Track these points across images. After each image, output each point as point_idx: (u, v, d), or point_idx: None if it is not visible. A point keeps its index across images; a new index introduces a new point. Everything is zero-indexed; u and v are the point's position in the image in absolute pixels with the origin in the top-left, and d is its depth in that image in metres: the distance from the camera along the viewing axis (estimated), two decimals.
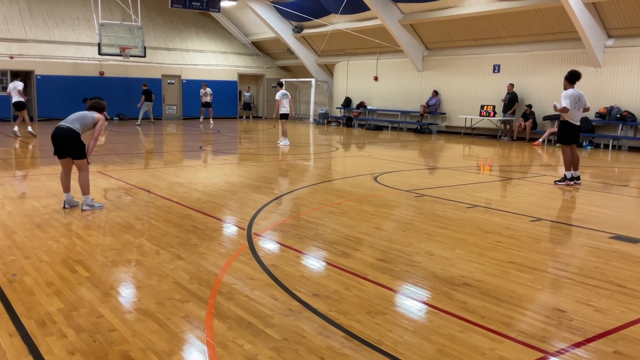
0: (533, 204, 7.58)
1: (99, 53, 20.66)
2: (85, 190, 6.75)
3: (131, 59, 21.61)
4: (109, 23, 20.86)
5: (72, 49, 23.57)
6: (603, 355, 3.19)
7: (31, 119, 23.27)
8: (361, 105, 24.12)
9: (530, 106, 17.44)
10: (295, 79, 27.48)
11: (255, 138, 18.59)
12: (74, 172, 6.88)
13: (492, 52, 18.93)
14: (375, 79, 23.67)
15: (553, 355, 3.17)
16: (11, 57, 21.99)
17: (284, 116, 15.30)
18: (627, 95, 15.49)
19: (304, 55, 26.55)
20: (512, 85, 17.88)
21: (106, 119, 7.53)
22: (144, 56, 21.61)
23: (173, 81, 26.30)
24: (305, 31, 25.15)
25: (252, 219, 6.39)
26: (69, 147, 6.60)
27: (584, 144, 15.88)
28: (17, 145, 14.34)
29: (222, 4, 23.65)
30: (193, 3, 21.93)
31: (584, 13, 14.97)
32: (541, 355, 3.16)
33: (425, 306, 3.92)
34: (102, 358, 3.05)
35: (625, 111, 15.32)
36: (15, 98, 15.98)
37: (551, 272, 4.73)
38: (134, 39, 21.10)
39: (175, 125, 22.93)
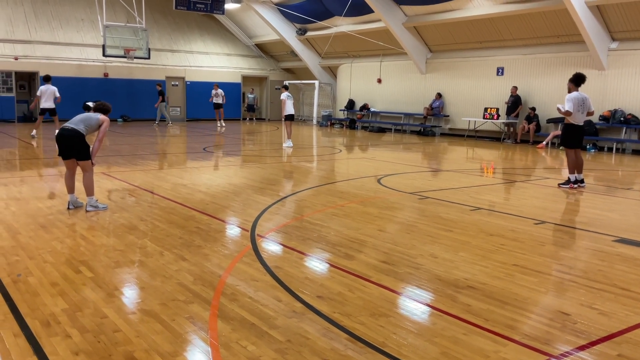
0: (537, 207, 7.57)
1: (104, 55, 20.70)
2: (89, 191, 6.77)
3: (135, 60, 21.65)
4: (113, 25, 20.91)
5: (76, 50, 23.64)
6: (607, 358, 3.18)
7: (35, 121, 23.45)
8: (364, 107, 24.12)
9: (533, 109, 17.42)
10: (298, 81, 27.50)
11: (258, 140, 18.61)
12: (79, 173, 6.90)
13: (496, 54, 18.92)
14: (379, 81, 23.67)
15: (557, 358, 3.17)
16: (16, 59, 22.06)
17: (290, 117, 15.35)
18: (631, 98, 15.45)
19: (308, 58, 26.57)
20: (515, 87, 17.86)
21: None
22: (149, 58, 21.66)
23: (177, 83, 26.36)
24: (309, 33, 25.17)
25: (255, 221, 6.39)
26: (74, 149, 6.61)
27: (588, 147, 15.85)
28: (24, 147, 14.38)
29: (226, 6, 23.71)
30: (197, 5, 21.99)
31: (588, 16, 14.95)
32: (545, 358, 3.15)
33: (428, 308, 3.92)
34: (106, 359, 3.06)
35: (629, 114, 15.28)
36: (48, 104, 15.50)
37: (555, 275, 4.72)
38: (138, 41, 21.16)
39: (179, 127, 22.96)
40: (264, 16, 24.68)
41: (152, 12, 25.32)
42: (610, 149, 16.08)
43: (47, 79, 15.99)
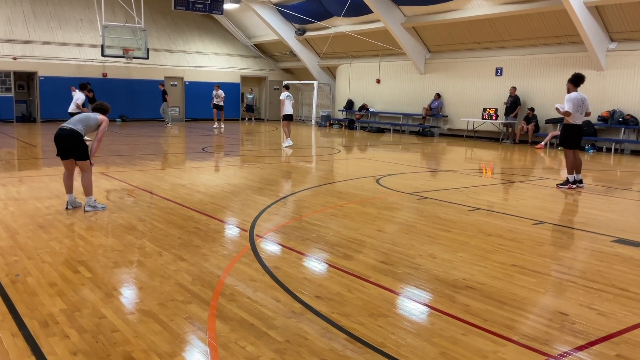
0: (535, 207, 7.58)
1: (102, 55, 20.69)
2: (88, 191, 6.76)
3: (134, 60, 21.63)
4: (112, 25, 20.88)
5: (75, 50, 23.63)
6: (606, 358, 3.18)
7: (34, 120, 23.43)
8: (363, 107, 24.12)
9: (532, 109, 17.43)
10: (297, 82, 27.49)
11: (257, 140, 18.60)
12: (77, 173, 6.90)
13: (495, 55, 18.93)
14: (378, 81, 23.68)
15: (556, 358, 3.17)
16: (14, 59, 22.05)
17: (288, 117, 15.36)
18: (629, 98, 15.47)
19: (307, 58, 26.57)
20: (514, 88, 17.87)
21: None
22: (147, 58, 21.63)
23: (176, 83, 26.34)
24: (308, 34, 25.17)
25: (254, 221, 6.39)
26: (72, 149, 6.61)
27: (587, 147, 15.87)
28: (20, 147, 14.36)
29: (225, 6, 23.70)
30: (196, 5, 21.99)
31: (587, 16, 14.96)
32: (544, 358, 3.16)
33: (427, 309, 3.92)
34: (104, 359, 3.05)
35: (628, 115, 15.30)
36: (74, 109, 14.24)
37: (554, 275, 4.72)
38: (137, 41, 21.12)
39: (177, 127, 22.95)
40: (262, 16, 24.68)
41: (150, 12, 25.30)
42: (608, 150, 16.10)
43: (82, 88, 15.14)
